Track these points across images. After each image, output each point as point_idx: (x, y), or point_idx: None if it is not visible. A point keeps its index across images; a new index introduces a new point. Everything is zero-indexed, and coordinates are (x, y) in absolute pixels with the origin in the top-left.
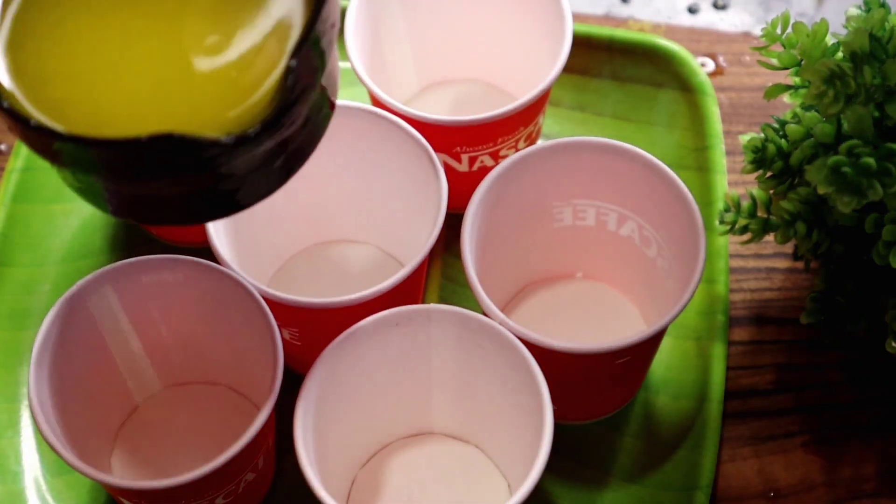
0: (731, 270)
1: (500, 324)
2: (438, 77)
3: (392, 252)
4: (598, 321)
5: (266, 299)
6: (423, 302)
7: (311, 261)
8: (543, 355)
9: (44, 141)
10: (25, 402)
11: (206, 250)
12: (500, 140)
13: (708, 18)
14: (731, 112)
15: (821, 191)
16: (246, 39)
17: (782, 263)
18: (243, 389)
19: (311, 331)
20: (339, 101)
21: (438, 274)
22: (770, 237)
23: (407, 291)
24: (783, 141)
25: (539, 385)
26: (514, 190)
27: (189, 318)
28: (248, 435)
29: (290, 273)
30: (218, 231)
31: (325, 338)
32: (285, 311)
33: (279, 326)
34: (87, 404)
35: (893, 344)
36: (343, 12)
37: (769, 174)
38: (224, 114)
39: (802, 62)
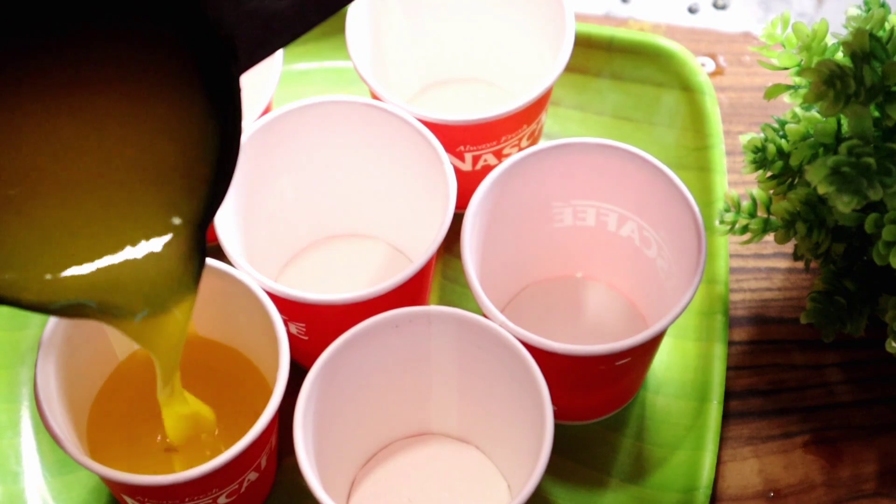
0: (731, 270)
1: (500, 325)
2: (439, 76)
3: (401, 247)
4: (598, 321)
5: (272, 295)
6: (429, 299)
7: (321, 255)
8: (543, 357)
9: None
10: (26, 403)
11: (213, 249)
12: (503, 139)
13: (708, 18)
14: (731, 112)
15: (821, 191)
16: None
17: (782, 263)
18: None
19: (318, 326)
20: (347, 97)
21: (439, 274)
22: (770, 237)
23: (414, 289)
24: (783, 141)
25: (539, 386)
26: (514, 190)
27: (194, 317)
28: (251, 434)
29: (300, 267)
30: (227, 226)
31: (333, 333)
32: (292, 307)
33: (287, 321)
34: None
35: (893, 344)
36: (344, 12)
37: (769, 174)
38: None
39: (802, 62)
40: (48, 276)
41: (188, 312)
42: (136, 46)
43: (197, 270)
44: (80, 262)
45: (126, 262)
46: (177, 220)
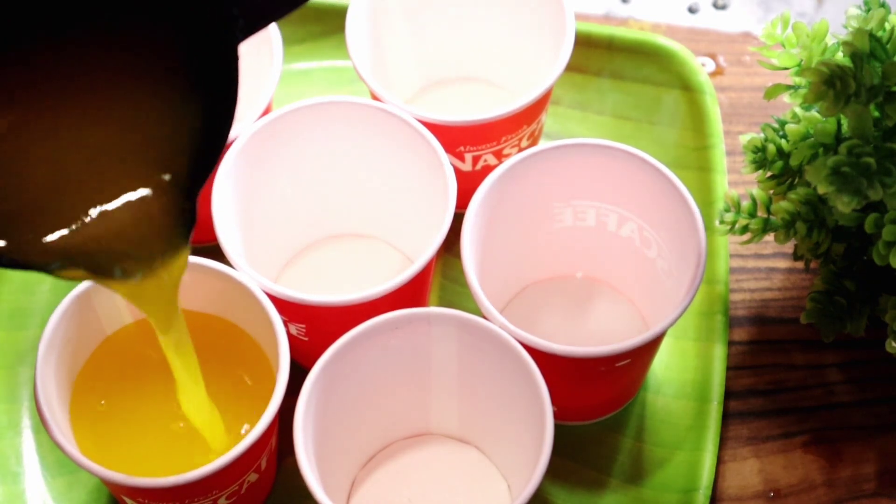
0: (731, 270)
1: (500, 326)
2: (439, 76)
3: (401, 247)
4: (598, 321)
5: (272, 296)
6: (429, 299)
7: (321, 255)
8: (543, 358)
9: None
10: (26, 403)
11: (214, 248)
12: (503, 139)
13: (708, 18)
14: (731, 112)
15: (821, 191)
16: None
17: (782, 263)
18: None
19: (318, 327)
20: (347, 98)
21: (439, 274)
22: (770, 237)
23: (414, 290)
24: (783, 141)
25: (539, 388)
26: (514, 191)
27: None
28: (251, 436)
29: (300, 267)
30: (227, 226)
31: (333, 334)
32: (292, 308)
33: (287, 322)
34: None
35: (893, 344)
36: (344, 11)
37: (769, 174)
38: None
39: (802, 62)
40: (37, 239)
41: (177, 275)
42: (127, 12)
43: (183, 234)
44: (68, 223)
45: (111, 219)
46: (166, 177)
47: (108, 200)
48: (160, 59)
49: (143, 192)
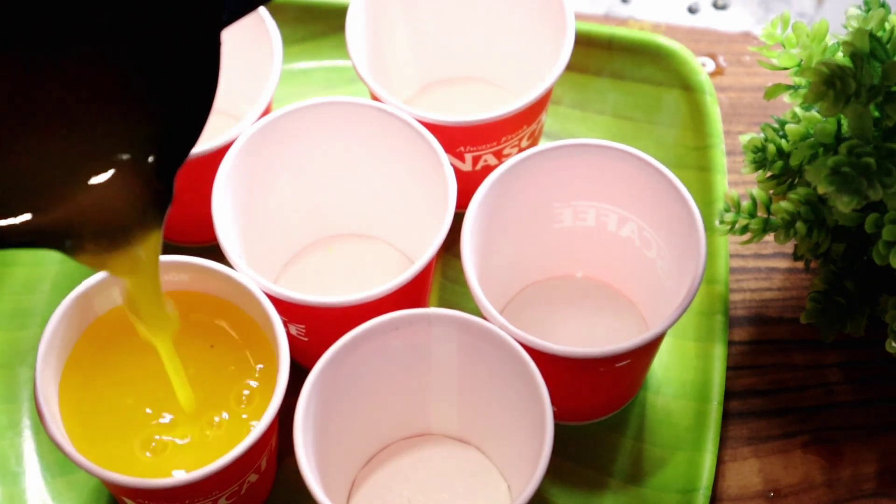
0: (731, 270)
1: (500, 327)
2: (439, 76)
3: (401, 247)
4: (598, 321)
5: (272, 296)
6: (429, 299)
7: (321, 255)
8: (543, 359)
9: None
10: (26, 403)
11: (213, 249)
12: (503, 139)
13: (708, 18)
14: (731, 112)
15: (821, 191)
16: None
17: (782, 263)
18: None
19: (318, 328)
20: (348, 98)
21: (439, 274)
22: (770, 237)
23: (414, 290)
24: (783, 141)
25: (539, 389)
26: (514, 191)
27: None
28: (251, 437)
29: (300, 267)
30: (227, 227)
31: (333, 334)
32: (292, 309)
33: (287, 322)
34: None
35: (893, 344)
36: (344, 11)
37: (769, 174)
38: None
39: (802, 62)
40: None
41: (153, 253)
42: None
43: (156, 214)
44: (38, 202)
45: (81, 197)
46: (137, 158)
47: (78, 180)
48: (140, 40)
49: (112, 171)
